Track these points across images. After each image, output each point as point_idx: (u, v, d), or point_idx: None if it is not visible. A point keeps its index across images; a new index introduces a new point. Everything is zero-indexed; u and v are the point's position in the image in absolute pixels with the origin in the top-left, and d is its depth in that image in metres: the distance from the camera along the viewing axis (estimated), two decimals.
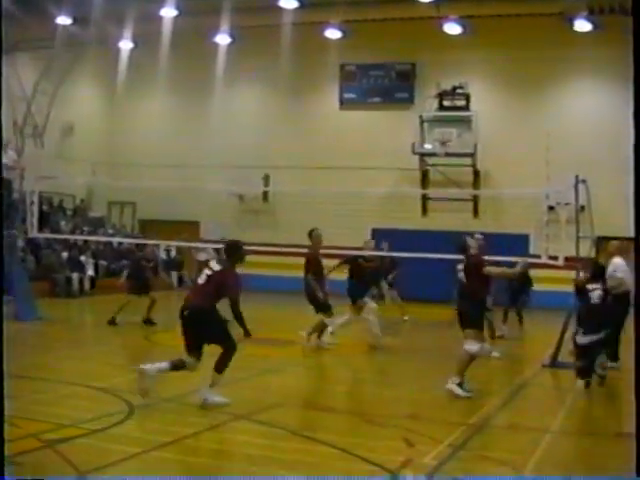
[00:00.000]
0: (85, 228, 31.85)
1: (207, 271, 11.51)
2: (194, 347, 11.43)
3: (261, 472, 8.18)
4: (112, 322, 19.72)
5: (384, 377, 13.84)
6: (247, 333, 11.43)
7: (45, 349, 16.45)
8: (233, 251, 11.78)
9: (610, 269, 15.41)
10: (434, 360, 17.32)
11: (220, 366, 11.32)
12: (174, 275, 34.30)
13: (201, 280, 11.52)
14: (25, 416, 9.72)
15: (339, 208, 26.54)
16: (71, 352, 16.54)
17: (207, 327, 11.31)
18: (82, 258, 28.84)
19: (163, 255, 34.45)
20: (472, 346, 12.75)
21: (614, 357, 15.30)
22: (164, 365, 11.45)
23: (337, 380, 13.16)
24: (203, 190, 29.46)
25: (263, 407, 11.28)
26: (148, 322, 20.18)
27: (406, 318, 22.39)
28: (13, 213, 21.53)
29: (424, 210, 31.81)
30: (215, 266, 11.54)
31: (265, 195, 33.89)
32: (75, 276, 27.87)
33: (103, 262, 31.00)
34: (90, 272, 29.10)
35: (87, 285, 28.62)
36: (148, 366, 11.30)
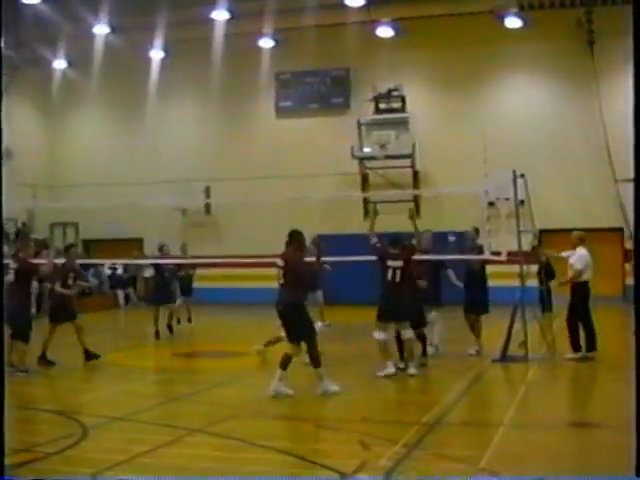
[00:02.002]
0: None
1: (281, 271, 12.70)
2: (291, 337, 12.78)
3: None
4: (43, 359, 16.68)
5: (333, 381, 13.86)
6: None
7: None
8: (298, 236, 12.93)
9: (571, 260, 15.76)
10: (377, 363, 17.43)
11: (314, 362, 12.67)
12: (121, 293, 34.16)
13: (280, 280, 12.72)
14: None
15: (281, 216, 26.56)
16: (18, 377, 16.34)
17: (295, 320, 12.59)
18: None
19: (108, 272, 34.26)
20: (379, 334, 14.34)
21: (578, 347, 15.66)
22: (277, 374, 12.53)
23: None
24: (145, 206, 29.31)
25: (218, 419, 11.27)
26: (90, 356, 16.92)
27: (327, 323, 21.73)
28: None
29: (366, 213, 31.94)
30: (280, 262, 12.78)
31: (207, 207, 33.80)
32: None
33: (48, 285, 30.69)
34: (34, 296, 28.77)
35: (33, 309, 28.30)
36: (274, 387, 12.45)
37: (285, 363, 12.60)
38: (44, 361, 16.61)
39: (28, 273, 16.25)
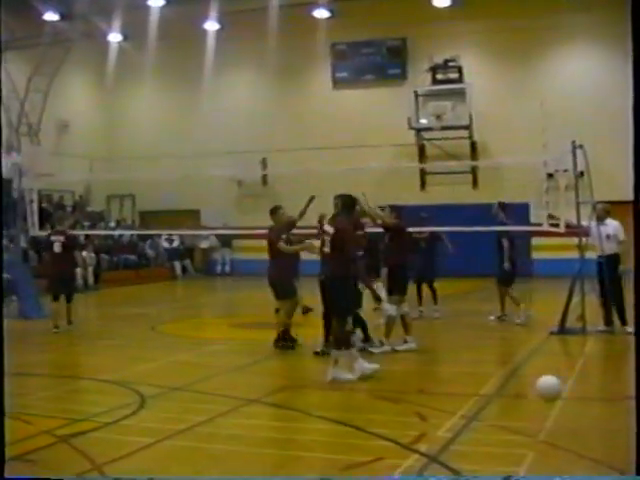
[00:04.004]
0: (85, 223, 31.85)
1: (327, 238, 11.84)
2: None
3: (277, 454, 8.21)
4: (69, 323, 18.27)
5: (390, 353, 13.82)
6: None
7: (53, 345, 16.46)
8: (350, 202, 12.20)
9: (610, 231, 15.52)
10: (436, 334, 17.41)
11: (337, 343, 11.78)
12: (177, 265, 34.39)
13: (327, 248, 11.86)
14: (37, 413, 9.77)
15: (338, 187, 26.43)
16: (79, 347, 16.57)
17: (336, 294, 11.78)
18: (84, 253, 28.81)
19: (166, 244, 34.52)
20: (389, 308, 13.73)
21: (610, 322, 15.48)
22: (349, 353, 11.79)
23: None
24: (202, 178, 29.44)
25: (274, 390, 11.31)
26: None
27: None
28: (13, 212, 21.49)
29: (422, 184, 31.82)
30: (331, 230, 11.86)
31: (264, 179, 33.89)
32: (78, 271, 27.87)
33: (105, 256, 31.04)
34: (92, 267, 29.12)
35: (91, 280, 28.67)
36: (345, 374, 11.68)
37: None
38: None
39: (72, 245, 18.84)
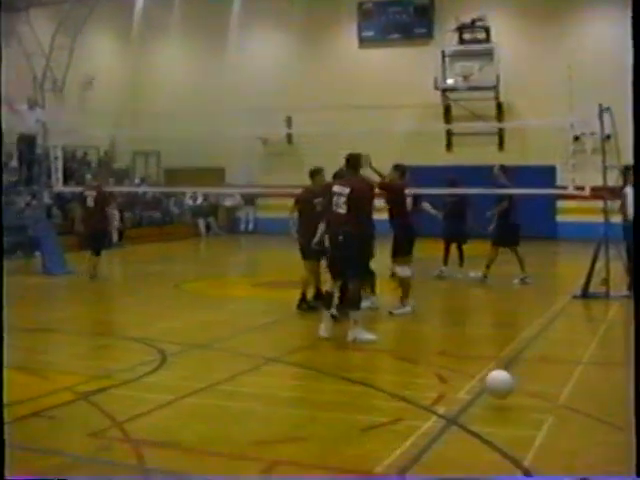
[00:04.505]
0: (110, 179, 31.86)
1: (342, 198, 11.58)
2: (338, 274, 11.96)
3: (296, 414, 8.24)
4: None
5: (411, 314, 13.81)
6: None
7: (76, 302, 16.57)
8: (354, 161, 11.90)
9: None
10: (459, 296, 17.39)
11: (354, 304, 11.72)
12: (202, 222, 34.43)
13: (342, 210, 11.60)
14: (59, 369, 9.85)
15: (363, 147, 26.35)
16: (102, 304, 16.67)
17: (354, 254, 11.61)
18: (107, 210, 28.81)
19: (190, 202, 34.56)
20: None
21: None
22: (324, 315, 12.00)
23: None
24: (227, 136, 29.35)
25: (295, 349, 11.35)
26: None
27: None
28: (37, 169, 21.56)
29: (449, 146, 31.63)
30: (344, 190, 11.62)
31: (289, 137, 33.78)
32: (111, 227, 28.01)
33: (129, 214, 31.09)
34: (117, 224, 29.16)
35: (115, 237, 28.72)
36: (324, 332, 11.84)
37: (328, 302, 12.15)
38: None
39: (104, 200, 19.79)
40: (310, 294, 14.27)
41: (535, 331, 12.58)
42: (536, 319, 13.54)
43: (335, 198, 11.64)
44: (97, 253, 19.05)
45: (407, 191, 14.75)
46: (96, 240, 19.33)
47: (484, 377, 9.11)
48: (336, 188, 11.76)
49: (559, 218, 29.98)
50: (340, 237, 11.59)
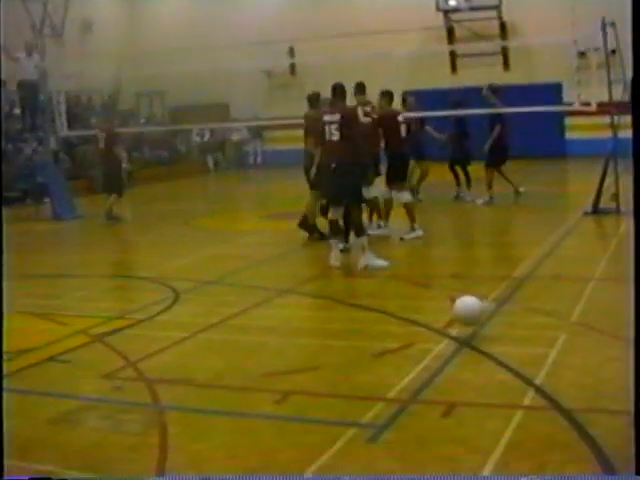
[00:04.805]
0: (115, 121, 31.67)
1: (333, 126, 11.64)
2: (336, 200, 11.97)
3: (309, 344, 8.27)
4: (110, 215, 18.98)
5: (424, 238, 13.79)
6: None
7: (87, 246, 16.61)
8: (340, 91, 11.98)
9: None
10: (466, 218, 17.36)
11: (358, 230, 11.75)
12: (209, 158, 34.35)
13: (335, 137, 11.65)
14: (72, 313, 9.87)
15: (368, 74, 26.14)
16: (113, 246, 16.68)
17: (348, 179, 11.62)
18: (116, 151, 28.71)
19: (197, 139, 34.44)
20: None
21: None
22: (333, 245, 11.99)
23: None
24: (229, 70, 29.10)
25: (306, 279, 11.37)
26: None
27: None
28: (41, 115, 21.45)
29: (453, 67, 31.32)
30: (335, 117, 11.68)
31: (292, 68, 33.51)
32: (124, 167, 27.94)
33: (136, 154, 30.98)
34: (125, 165, 29.03)
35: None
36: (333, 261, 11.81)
37: (335, 230, 12.13)
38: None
39: (114, 141, 19.84)
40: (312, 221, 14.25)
41: (547, 249, 12.55)
42: (547, 237, 13.50)
43: (327, 127, 11.72)
44: (119, 194, 19.16)
45: (413, 115, 14.69)
46: (112, 181, 19.38)
47: (497, 298, 9.14)
48: (327, 117, 11.84)
49: (568, 135, 29.77)
50: (335, 164, 11.63)
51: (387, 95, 14.50)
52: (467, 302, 7.97)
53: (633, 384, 3.50)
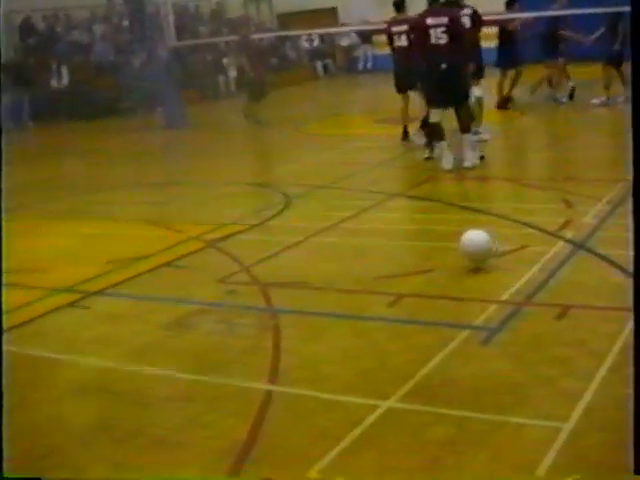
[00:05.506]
0: (224, 30, 31.67)
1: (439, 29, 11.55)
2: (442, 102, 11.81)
3: (422, 246, 8.27)
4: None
5: (535, 141, 13.53)
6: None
7: (199, 154, 16.70)
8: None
9: None
10: (580, 119, 16.89)
11: (465, 127, 11.70)
12: (319, 64, 34.16)
13: (442, 40, 11.54)
14: (186, 220, 10.01)
15: None
16: (224, 154, 16.77)
17: (457, 82, 11.65)
18: (224, 61, 28.82)
19: (306, 45, 34.24)
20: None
21: None
22: (443, 146, 11.82)
23: (490, 147, 12.90)
24: None
25: (416, 183, 11.30)
26: None
27: None
28: (150, 26, 21.51)
29: None
30: (442, 20, 11.59)
31: None
32: (221, 79, 28.05)
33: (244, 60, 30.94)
34: (233, 74, 29.11)
35: (232, 87, 28.72)
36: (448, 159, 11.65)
37: (440, 133, 11.91)
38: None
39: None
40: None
41: None
42: None
43: (432, 31, 11.55)
44: (257, 101, 19.62)
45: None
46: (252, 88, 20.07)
47: (611, 200, 8.94)
48: (430, 21, 11.64)
49: None
50: (444, 65, 11.46)
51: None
52: (475, 239, 7.29)
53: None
